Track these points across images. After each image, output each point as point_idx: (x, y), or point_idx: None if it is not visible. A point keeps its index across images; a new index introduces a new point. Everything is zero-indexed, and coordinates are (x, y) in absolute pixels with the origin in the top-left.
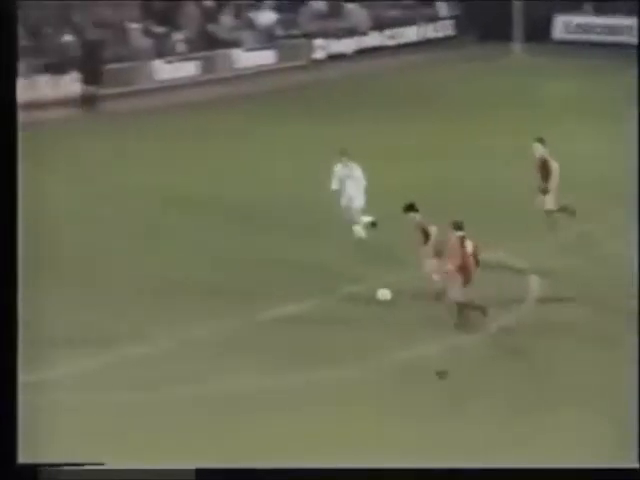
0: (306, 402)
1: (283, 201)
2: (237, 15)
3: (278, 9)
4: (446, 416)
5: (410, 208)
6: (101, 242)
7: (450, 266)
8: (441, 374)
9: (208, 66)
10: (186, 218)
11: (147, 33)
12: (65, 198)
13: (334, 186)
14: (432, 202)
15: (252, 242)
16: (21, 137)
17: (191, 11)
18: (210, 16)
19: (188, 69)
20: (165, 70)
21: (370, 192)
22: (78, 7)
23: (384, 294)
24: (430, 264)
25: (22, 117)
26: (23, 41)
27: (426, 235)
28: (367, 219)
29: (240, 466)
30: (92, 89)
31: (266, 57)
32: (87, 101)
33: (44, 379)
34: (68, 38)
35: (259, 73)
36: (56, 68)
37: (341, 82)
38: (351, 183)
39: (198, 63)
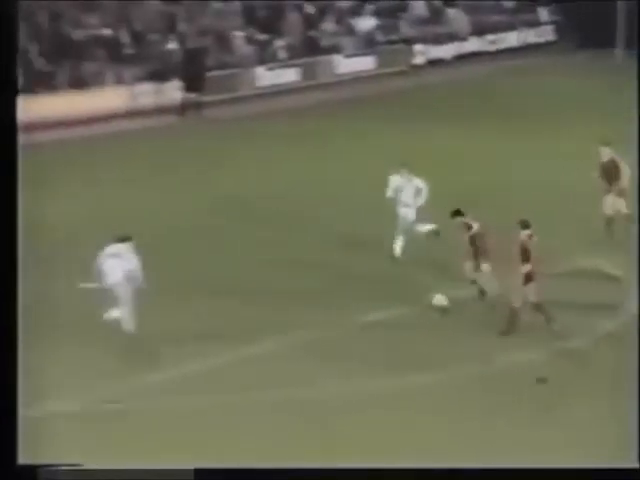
0: (397, 406)
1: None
2: (338, 21)
3: (379, 15)
4: (538, 421)
5: (457, 213)
6: (203, 248)
7: (517, 266)
8: (541, 380)
9: (309, 72)
10: (287, 224)
11: (250, 41)
12: (163, 206)
13: (389, 194)
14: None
15: (345, 251)
16: (123, 144)
17: (293, 18)
18: (311, 23)
19: (289, 76)
20: (266, 77)
21: (454, 194)
22: (183, 15)
23: (439, 299)
24: (469, 266)
25: (124, 125)
26: (128, 49)
27: (472, 238)
28: (429, 227)
29: (239, 466)
30: (193, 96)
31: (366, 63)
32: (188, 108)
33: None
34: (172, 46)
35: (359, 79)
36: (159, 76)
37: (440, 87)
38: (408, 193)
39: (299, 69)
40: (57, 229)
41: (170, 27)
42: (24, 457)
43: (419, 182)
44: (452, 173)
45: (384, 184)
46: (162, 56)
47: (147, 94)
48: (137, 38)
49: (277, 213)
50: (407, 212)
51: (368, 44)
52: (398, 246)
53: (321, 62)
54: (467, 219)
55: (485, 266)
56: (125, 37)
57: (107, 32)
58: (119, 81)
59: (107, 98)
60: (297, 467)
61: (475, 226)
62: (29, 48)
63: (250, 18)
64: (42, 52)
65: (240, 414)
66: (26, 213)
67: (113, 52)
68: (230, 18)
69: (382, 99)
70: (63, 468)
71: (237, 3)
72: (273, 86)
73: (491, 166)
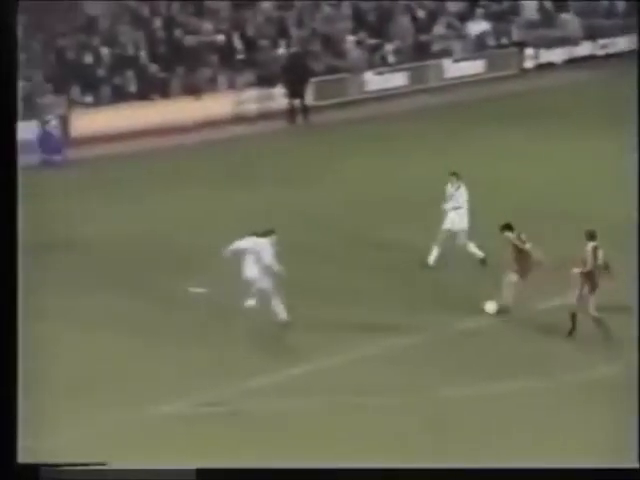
0: (495, 412)
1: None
2: (448, 25)
3: (489, 18)
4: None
5: (506, 228)
6: (314, 256)
7: (576, 271)
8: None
9: (417, 76)
10: (405, 224)
11: (360, 45)
12: (273, 208)
13: (445, 206)
14: None
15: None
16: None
17: (403, 22)
18: (422, 27)
19: (397, 80)
20: (375, 81)
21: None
22: (294, 20)
23: (490, 307)
24: (512, 277)
25: (232, 130)
26: (239, 54)
27: (520, 253)
28: (479, 254)
29: (240, 466)
30: (299, 102)
31: (475, 67)
32: (296, 114)
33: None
34: (282, 51)
35: (468, 83)
36: (268, 81)
37: (550, 91)
38: (457, 201)
39: (407, 74)
40: (191, 227)
41: (281, 32)
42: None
43: (464, 191)
44: (553, 179)
45: (495, 187)
46: (272, 61)
47: (255, 99)
48: (249, 43)
49: (395, 214)
50: (453, 219)
51: (478, 48)
52: (433, 255)
53: (430, 66)
54: (516, 235)
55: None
56: (237, 42)
57: (220, 38)
58: (231, 87)
59: (218, 104)
60: (297, 467)
61: (525, 243)
62: (140, 54)
63: (360, 22)
64: (155, 58)
65: (350, 414)
66: (147, 212)
67: (225, 58)
68: (341, 22)
69: (491, 102)
70: (64, 468)
71: (347, 7)
72: (381, 90)
73: (602, 173)
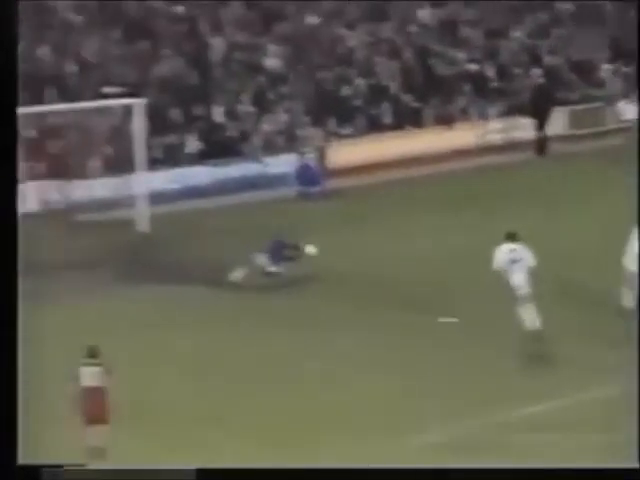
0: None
1: None
2: None
3: None
4: None
5: None
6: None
7: None
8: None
9: None
10: None
11: (617, 73)
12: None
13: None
14: None
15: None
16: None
17: None
18: None
19: None
20: (630, 110)
21: None
22: (546, 48)
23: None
24: None
25: (479, 161)
26: (493, 83)
27: None
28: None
29: (240, 466)
30: (544, 132)
31: None
32: (542, 143)
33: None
34: (536, 79)
35: None
36: (519, 110)
37: None
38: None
39: None
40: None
41: (534, 60)
42: None
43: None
44: None
45: None
46: (523, 90)
47: (501, 129)
48: (501, 72)
49: None
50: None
51: None
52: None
53: None
54: None
55: None
56: (490, 71)
57: (473, 67)
58: (482, 116)
59: (467, 134)
60: (297, 467)
61: None
62: (391, 85)
63: (617, 50)
64: (410, 88)
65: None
66: (403, 240)
67: (478, 87)
68: (598, 50)
69: None
70: (64, 468)
71: (606, 35)
72: (632, 120)
73: None
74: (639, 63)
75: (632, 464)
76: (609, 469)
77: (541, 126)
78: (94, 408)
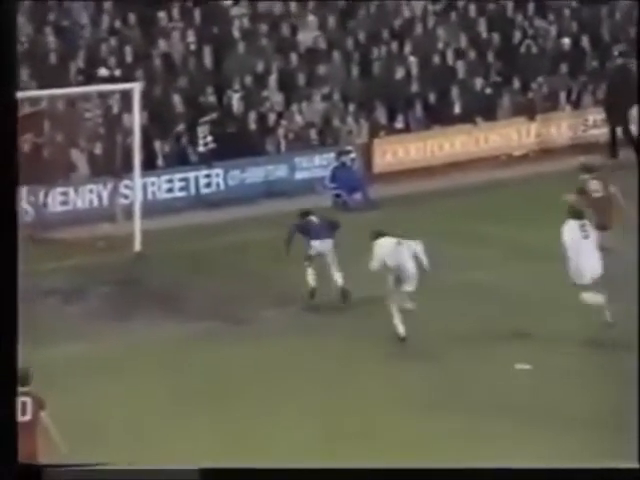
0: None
1: None
2: None
3: None
4: None
5: None
6: None
7: None
8: None
9: None
10: None
11: None
12: None
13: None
14: None
15: None
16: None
17: None
18: None
19: None
20: None
21: None
22: None
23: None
24: None
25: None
26: (593, 62)
27: None
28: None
29: (244, 466)
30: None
31: None
32: (616, 145)
33: None
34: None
35: None
36: None
37: None
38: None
39: None
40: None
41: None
42: None
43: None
44: None
45: None
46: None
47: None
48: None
49: None
50: None
51: None
52: None
53: None
54: None
55: None
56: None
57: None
58: (577, 106)
59: (555, 128)
60: (301, 467)
61: None
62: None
63: None
64: (483, 69)
65: None
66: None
67: (574, 68)
68: None
69: None
70: (65, 468)
71: None
72: None
73: None
74: (639, 63)
75: (632, 464)
76: (609, 469)
77: (617, 122)
78: (24, 446)
